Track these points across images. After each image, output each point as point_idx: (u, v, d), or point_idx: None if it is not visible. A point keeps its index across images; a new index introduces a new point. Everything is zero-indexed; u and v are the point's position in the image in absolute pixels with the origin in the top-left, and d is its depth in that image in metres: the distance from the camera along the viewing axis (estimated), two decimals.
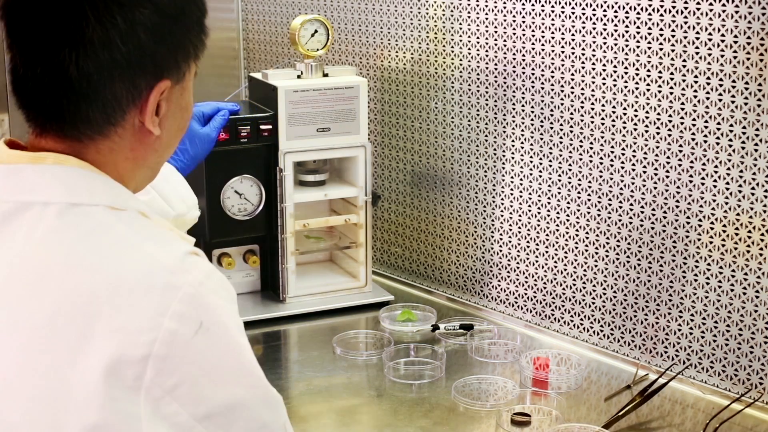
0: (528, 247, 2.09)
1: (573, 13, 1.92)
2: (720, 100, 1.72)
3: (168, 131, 1.16)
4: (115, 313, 1.00)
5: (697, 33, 1.73)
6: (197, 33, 1.15)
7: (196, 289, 1.03)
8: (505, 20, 2.05)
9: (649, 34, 1.80)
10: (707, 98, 1.73)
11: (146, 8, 1.07)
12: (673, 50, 1.77)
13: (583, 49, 1.91)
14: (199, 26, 1.15)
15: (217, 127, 2.01)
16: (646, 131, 1.84)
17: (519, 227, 2.10)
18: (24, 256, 1.05)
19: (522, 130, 2.06)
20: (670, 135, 1.80)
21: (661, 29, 1.78)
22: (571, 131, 1.96)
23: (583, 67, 1.92)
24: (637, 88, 1.84)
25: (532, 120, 2.03)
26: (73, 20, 1.05)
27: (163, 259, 1.04)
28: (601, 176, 1.92)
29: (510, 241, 2.13)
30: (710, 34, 1.71)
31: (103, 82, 1.07)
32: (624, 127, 1.87)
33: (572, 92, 1.95)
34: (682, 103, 1.77)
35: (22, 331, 1.02)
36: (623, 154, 1.88)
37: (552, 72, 1.98)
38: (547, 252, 2.05)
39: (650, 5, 1.79)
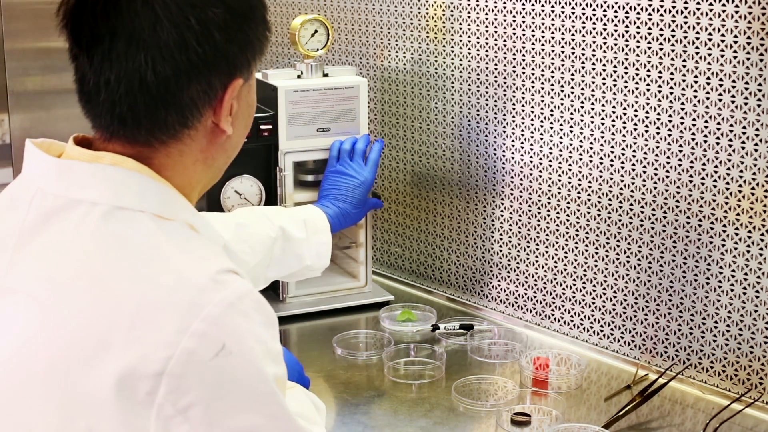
0: (528, 247, 2.09)
1: (573, 13, 1.92)
2: (720, 100, 1.72)
3: (237, 129, 1.15)
4: (136, 325, 0.99)
5: (697, 33, 1.73)
6: (263, 29, 1.15)
7: (222, 310, 1.00)
8: (505, 20, 2.05)
9: (649, 34, 1.80)
10: (707, 98, 1.73)
11: (218, 8, 1.07)
12: (673, 50, 1.77)
13: (583, 49, 1.91)
14: (264, 23, 1.15)
15: (375, 165, 2.11)
16: (646, 131, 1.84)
17: (519, 227, 2.10)
18: (65, 253, 1.05)
19: (522, 130, 2.06)
20: (670, 135, 1.80)
21: (661, 29, 1.78)
22: (571, 131, 1.96)
23: (583, 67, 1.92)
24: (637, 88, 1.84)
25: (532, 120, 2.03)
26: (147, 24, 1.04)
27: (193, 276, 1.02)
28: (601, 176, 1.92)
29: (510, 241, 2.13)
30: (710, 34, 1.71)
31: (181, 86, 1.06)
32: (624, 127, 1.87)
33: (572, 92, 1.95)
34: (682, 103, 1.77)
35: (49, 330, 1.02)
36: (623, 154, 1.88)
37: (552, 72, 1.98)
38: (547, 252, 2.05)
39: (650, 5, 1.79)
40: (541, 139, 2.02)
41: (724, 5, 1.68)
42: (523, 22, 2.01)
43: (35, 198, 1.09)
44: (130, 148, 1.09)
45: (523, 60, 2.03)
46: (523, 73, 2.04)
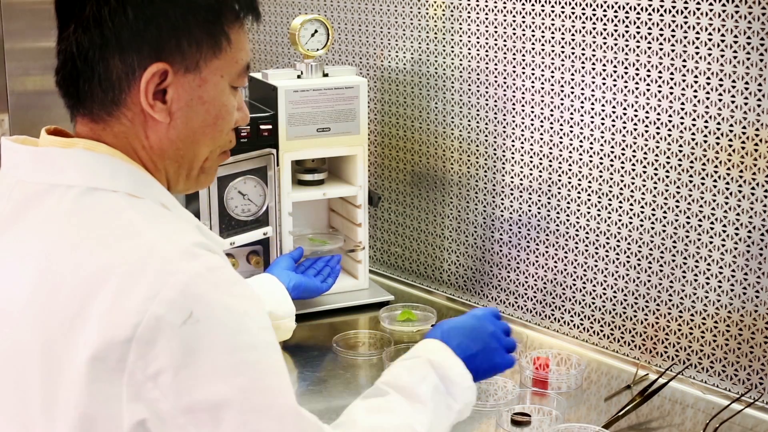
0: (528, 247, 2.09)
1: (573, 13, 1.92)
2: (720, 100, 1.72)
3: (186, 123, 1.15)
4: (109, 296, 1.01)
5: (697, 33, 1.73)
6: (209, 20, 1.14)
7: (191, 279, 1.02)
8: (505, 20, 2.05)
9: (649, 34, 1.80)
10: (707, 98, 1.73)
11: None
12: (673, 50, 1.77)
13: (583, 49, 1.91)
14: (212, 13, 1.14)
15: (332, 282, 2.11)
16: (646, 131, 1.84)
17: (519, 227, 2.10)
18: (41, 233, 1.08)
19: (522, 130, 2.06)
20: (670, 135, 1.80)
21: (661, 29, 1.78)
22: (571, 131, 1.96)
23: (583, 67, 1.92)
24: (637, 88, 1.84)
25: (532, 120, 2.03)
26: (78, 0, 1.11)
27: (164, 247, 1.05)
28: (600, 176, 1.92)
29: (510, 241, 2.13)
30: (710, 34, 1.71)
31: (97, 59, 1.11)
32: (624, 127, 1.87)
33: (572, 92, 1.95)
34: (682, 103, 1.77)
35: (32, 305, 1.05)
36: (623, 154, 1.88)
37: (552, 72, 1.98)
38: (547, 252, 2.05)
39: (650, 5, 1.79)
40: (541, 139, 2.02)
41: (724, 5, 1.68)
42: (523, 22, 2.01)
43: (15, 188, 1.12)
44: (85, 125, 1.15)
45: (523, 60, 2.03)
46: (523, 73, 2.04)
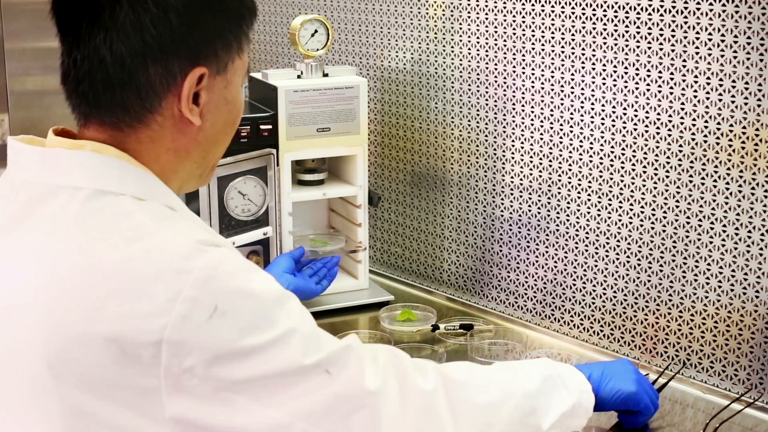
0: (528, 247, 2.09)
1: (573, 13, 1.92)
2: (720, 100, 1.72)
3: (213, 124, 1.17)
4: (126, 297, 1.02)
5: (697, 33, 1.73)
6: (237, 23, 1.17)
7: (208, 273, 1.04)
8: (505, 20, 2.05)
9: (649, 34, 1.80)
10: (707, 98, 1.73)
11: None
12: (673, 50, 1.77)
13: (583, 49, 1.91)
14: (239, 17, 1.17)
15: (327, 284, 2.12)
16: (646, 131, 1.84)
17: (519, 227, 2.10)
18: (50, 234, 1.08)
19: (522, 130, 2.06)
20: (670, 135, 1.80)
21: (661, 29, 1.78)
22: (571, 131, 1.96)
23: (583, 67, 1.92)
24: (637, 88, 1.84)
25: (532, 120, 2.03)
26: (108, 5, 1.09)
27: (176, 246, 1.06)
28: (600, 176, 1.92)
29: (510, 241, 2.13)
30: (710, 34, 1.71)
31: (136, 66, 1.10)
32: (624, 127, 1.87)
33: (572, 92, 1.95)
34: (682, 103, 1.77)
35: (41, 305, 1.05)
36: (623, 154, 1.88)
37: (552, 72, 1.98)
38: (547, 252, 2.05)
39: (650, 5, 1.79)
40: (541, 139, 2.02)
41: (724, 5, 1.68)
42: (523, 22, 2.01)
43: (21, 189, 1.12)
44: (104, 132, 1.13)
45: (523, 60, 2.03)
46: (523, 73, 2.04)
